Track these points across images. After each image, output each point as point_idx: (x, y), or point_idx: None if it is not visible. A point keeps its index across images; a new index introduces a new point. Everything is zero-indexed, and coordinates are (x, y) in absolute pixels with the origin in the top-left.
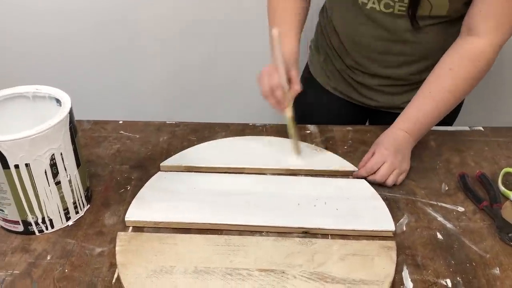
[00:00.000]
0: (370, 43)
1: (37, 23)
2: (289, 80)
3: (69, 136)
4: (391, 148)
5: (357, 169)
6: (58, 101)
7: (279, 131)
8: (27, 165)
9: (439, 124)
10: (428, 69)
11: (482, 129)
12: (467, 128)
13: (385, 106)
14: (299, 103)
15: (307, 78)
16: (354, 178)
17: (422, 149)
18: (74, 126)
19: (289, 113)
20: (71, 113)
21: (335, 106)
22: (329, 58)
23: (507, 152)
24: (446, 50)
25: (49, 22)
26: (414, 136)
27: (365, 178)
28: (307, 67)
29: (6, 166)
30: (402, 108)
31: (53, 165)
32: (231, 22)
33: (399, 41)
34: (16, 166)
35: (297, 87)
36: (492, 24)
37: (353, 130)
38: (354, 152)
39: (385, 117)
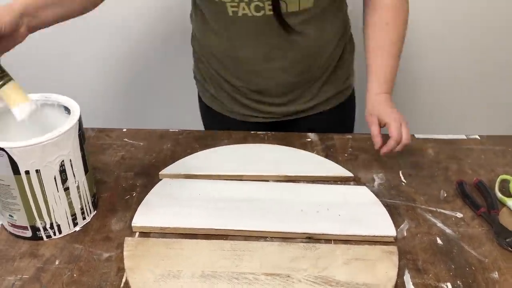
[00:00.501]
0: (251, 56)
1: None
2: None
3: (78, 143)
4: (394, 109)
5: (349, 173)
6: (66, 109)
7: (280, 139)
8: (37, 171)
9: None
10: (311, 68)
11: (478, 138)
12: (463, 137)
13: (294, 113)
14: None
15: (203, 108)
16: (384, 154)
17: (421, 157)
18: (82, 133)
19: None
20: (80, 120)
21: (239, 127)
22: (218, 85)
23: (503, 160)
24: (324, 47)
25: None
26: (390, 92)
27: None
28: (200, 99)
29: (17, 172)
30: (305, 112)
31: (63, 171)
32: None
33: (278, 46)
34: (27, 172)
35: None
36: None
37: (352, 139)
38: (355, 159)
39: (294, 124)
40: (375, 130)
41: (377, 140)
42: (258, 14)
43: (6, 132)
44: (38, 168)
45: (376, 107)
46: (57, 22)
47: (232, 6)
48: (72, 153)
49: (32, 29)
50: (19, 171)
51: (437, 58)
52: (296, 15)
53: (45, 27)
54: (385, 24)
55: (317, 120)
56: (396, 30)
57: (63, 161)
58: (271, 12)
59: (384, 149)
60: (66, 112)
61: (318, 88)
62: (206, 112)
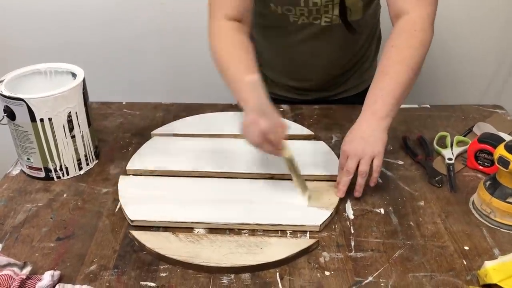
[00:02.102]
0: (301, 51)
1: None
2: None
3: (83, 100)
4: (348, 142)
5: (311, 132)
6: (73, 75)
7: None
8: (50, 119)
9: None
10: (344, 64)
11: (429, 106)
12: (416, 106)
13: (324, 97)
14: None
15: None
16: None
17: None
18: (86, 93)
19: (287, 154)
20: (84, 82)
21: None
22: (262, 70)
23: (446, 123)
24: (359, 47)
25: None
26: (381, 114)
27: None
28: None
29: (33, 119)
30: (334, 96)
31: (70, 121)
32: None
33: (324, 46)
34: (41, 120)
35: (286, 130)
36: (414, 1)
37: (318, 108)
38: (318, 124)
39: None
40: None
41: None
42: (315, 22)
43: (31, 92)
44: (50, 117)
45: (354, 134)
46: None
47: (293, 17)
48: (77, 107)
49: None
50: (35, 118)
51: None
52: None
53: None
54: (391, 46)
55: (344, 101)
56: (401, 51)
57: (70, 112)
58: (324, 24)
59: (356, 194)
60: (74, 78)
61: (347, 78)
62: None
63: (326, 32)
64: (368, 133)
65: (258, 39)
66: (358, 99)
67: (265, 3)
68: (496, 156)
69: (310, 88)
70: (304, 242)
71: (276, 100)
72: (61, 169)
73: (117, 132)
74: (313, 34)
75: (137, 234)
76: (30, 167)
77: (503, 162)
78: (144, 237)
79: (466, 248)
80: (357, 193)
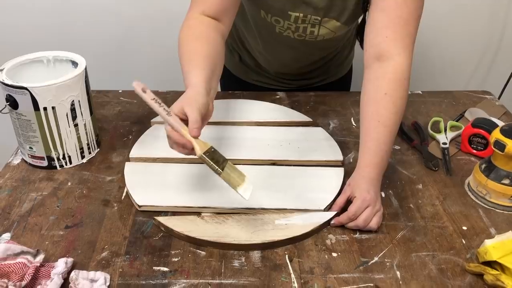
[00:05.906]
0: (282, 57)
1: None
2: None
3: (85, 88)
4: (371, 191)
5: (309, 119)
6: (73, 63)
7: (254, 96)
8: (53, 108)
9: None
10: (324, 59)
11: (421, 92)
12: (408, 92)
13: (305, 85)
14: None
15: (225, 73)
16: (333, 225)
17: None
18: (88, 82)
19: (197, 153)
20: (86, 70)
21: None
22: (244, 58)
23: (439, 108)
24: (340, 48)
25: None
26: (383, 167)
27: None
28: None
29: (37, 108)
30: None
31: (73, 110)
32: None
33: (306, 54)
34: (45, 109)
35: (192, 126)
36: (400, 45)
37: (314, 95)
38: (315, 110)
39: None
40: (339, 199)
41: (335, 208)
42: (299, 39)
43: (31, 81)
44: (54, 105)
45: (358, 182)
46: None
47: (279, 28)
48: (80, 95)
49: (212, 100)
50: (38, 107)
51: None
52: (330, 40)
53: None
54: (384, 94)
55: (323, 89)
56: (395, 102)
57: (73, 101)
58: (310, 39)
59: (334, 220)
60: (74, 66)
61: (327, 68)
62: (228, 78)
63: (308, 44)
64: (378, 189)
65: (241, 30)
66: (337, 85)
67: (257, 8)
68: (492, 140)
69: (289, 78)
70: (327, 214)
71: (261, 87)
72: (64, 157)
73: (116, 120)
74: (295, 47)
75: (163, 220)
76: (33, 156)
77: (499, 145)
78: (171, 222)
79: (464, 228)
80: (345, 218)
